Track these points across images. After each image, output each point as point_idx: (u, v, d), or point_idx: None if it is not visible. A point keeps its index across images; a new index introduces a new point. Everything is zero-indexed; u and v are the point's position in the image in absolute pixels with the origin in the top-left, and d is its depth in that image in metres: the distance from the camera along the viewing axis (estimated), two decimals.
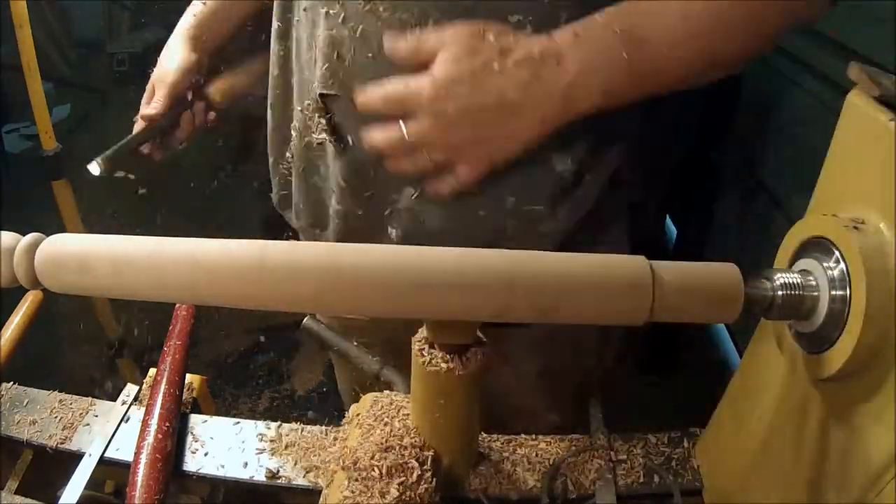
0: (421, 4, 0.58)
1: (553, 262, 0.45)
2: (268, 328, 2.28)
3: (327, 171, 0.73)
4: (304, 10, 0.68)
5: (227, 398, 2.01)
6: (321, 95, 0.66)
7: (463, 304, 0.44)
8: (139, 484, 0.59)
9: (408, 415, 0.60)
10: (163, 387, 0.69)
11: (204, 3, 0.90)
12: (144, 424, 0.65)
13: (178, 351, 0.74)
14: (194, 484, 0.69)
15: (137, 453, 0.62)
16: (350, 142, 0.66)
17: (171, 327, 0.77)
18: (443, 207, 0.66)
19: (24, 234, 0.48)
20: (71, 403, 0.74)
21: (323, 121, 0.67)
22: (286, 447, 0.68)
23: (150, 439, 0.63)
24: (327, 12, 0.63)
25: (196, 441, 0.69)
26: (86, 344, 2.03)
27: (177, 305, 0.79)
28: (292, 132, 0.76)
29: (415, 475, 0.55)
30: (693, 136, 1.45)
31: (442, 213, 0.67)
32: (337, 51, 0.63)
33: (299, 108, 0.73)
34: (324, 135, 0.67)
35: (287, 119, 0.78)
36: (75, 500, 0.63)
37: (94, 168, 0.82)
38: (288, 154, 0.80)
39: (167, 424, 0.65)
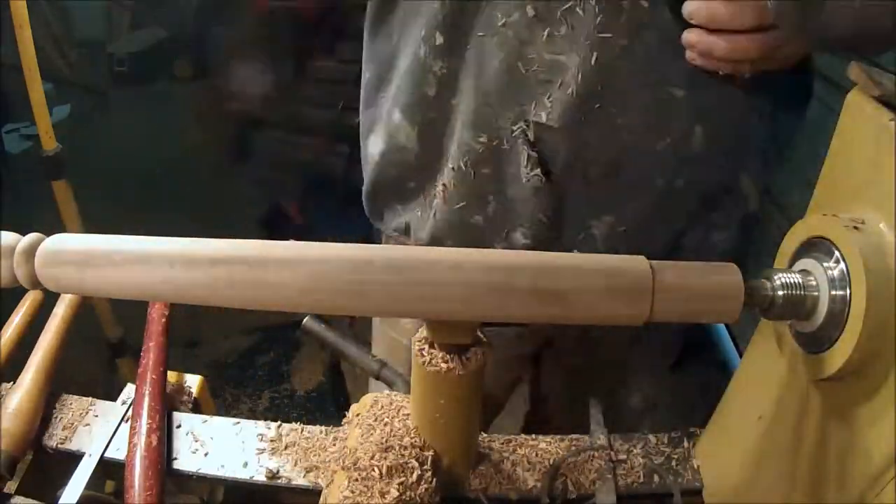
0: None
1: (553, 262, 0.45)
2: (268, 328, 2.28)
3: (504, 205, 0.70)
4: (503, 24, 0.61)
5: (227, 398, 2.01)
6: (536, 125, 0.64)
7: (462, 304, 0.44)
8: (136, 486, 0.60)
9: (408, 415, 0.60)
10: (146, 388, 0.69)
11: None
12: (132, 429, 0.66)
13: (156, 351, 0.74)
14: (194, 484, 0.69)
15: (130, 456, 0.63)
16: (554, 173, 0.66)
17: (146, 329, 0.77)
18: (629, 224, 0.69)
19: (24, 234, 0.48)
20: (71, 403, 0.74)
21: (530, 153, 0.65)
22: (286, 447, 0.68)
23: (138, 440, 0.64)
24: (550, 34, 0.60)
25: (196, 441, 0.69)
26: (86, 344, 2.03)
27: (150, 307, 0.79)
28: (448, 162, 0.70)
29: (415, 475, 0.55)
30: None
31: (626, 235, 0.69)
32: (562, 79, 0.62)
33: (470, 137, 0.67)
34: (531, 168, 0.65)
35: (436, 145, 0.72)
36: (75, 500, 0.63)
37: None
38: (439, 184, 0.73)
39: (152, 423, 0.66)
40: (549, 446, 0.67)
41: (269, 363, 2.17)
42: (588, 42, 0.60)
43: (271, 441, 0.69)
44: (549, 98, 0.63)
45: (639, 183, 0.67)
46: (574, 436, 0.69)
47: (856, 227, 0.42)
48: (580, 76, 0.61)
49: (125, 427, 0.71)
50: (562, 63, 0.62)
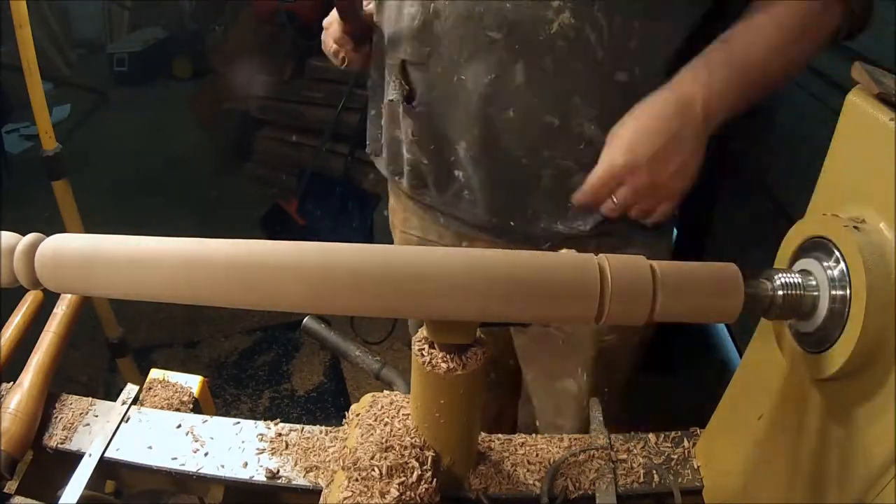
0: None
1: (553, 262, 0.45)
2: (268, 328, 2.28)
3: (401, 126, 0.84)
4: None
5: (227, 398, 2.01)
6: (403, 63, 0.78)
7: (461, 304, 0.44)
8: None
9: (408, 415, 0.60)
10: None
11: None
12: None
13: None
14: (194, 484, 0.69)
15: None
16: (418, 103, 0.79)
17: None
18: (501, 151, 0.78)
19: (24, 234, 0.48)
20: (71, 403, 0.74)
21: (400, 84, 0.79)
22: (286, 447, 0.68)
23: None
24: None
25: (196, 441, 0.69)
26: (86, 344, 2.03)
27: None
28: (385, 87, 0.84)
29: (415, 475, 0.55)
30: None
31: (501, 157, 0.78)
32: (431, 22, 0.73)
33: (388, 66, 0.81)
34: (396, 96, 0.80)
35: (382, 74, 0.85)
36: (75, 500, 0.63)
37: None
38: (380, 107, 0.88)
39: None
40: (549, 446, 0.67)
41: (269, 363, 2.17)
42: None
43: (271, 441, 0.69)
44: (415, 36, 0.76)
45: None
46: (574, 435, 0.69)
47: (856, 227, 0.42)
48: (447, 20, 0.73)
49: (125, 427, 0.71)
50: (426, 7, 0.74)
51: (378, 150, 0.94)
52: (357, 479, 0.55)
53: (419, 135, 0.82)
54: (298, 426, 0.71)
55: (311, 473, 0.65)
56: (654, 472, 0.65)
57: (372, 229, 2.55)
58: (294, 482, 0.65)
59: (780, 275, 0.46)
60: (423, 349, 0.54)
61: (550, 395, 0.98)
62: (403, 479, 0.54)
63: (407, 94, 0.80)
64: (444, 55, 0.74)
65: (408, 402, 0.61)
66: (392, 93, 0.81)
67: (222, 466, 0.67)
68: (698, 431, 0.69)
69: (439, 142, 0.81)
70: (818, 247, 0.45)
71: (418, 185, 0.87)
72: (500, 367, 1.06)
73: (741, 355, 0.63)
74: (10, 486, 0.66)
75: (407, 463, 0.55)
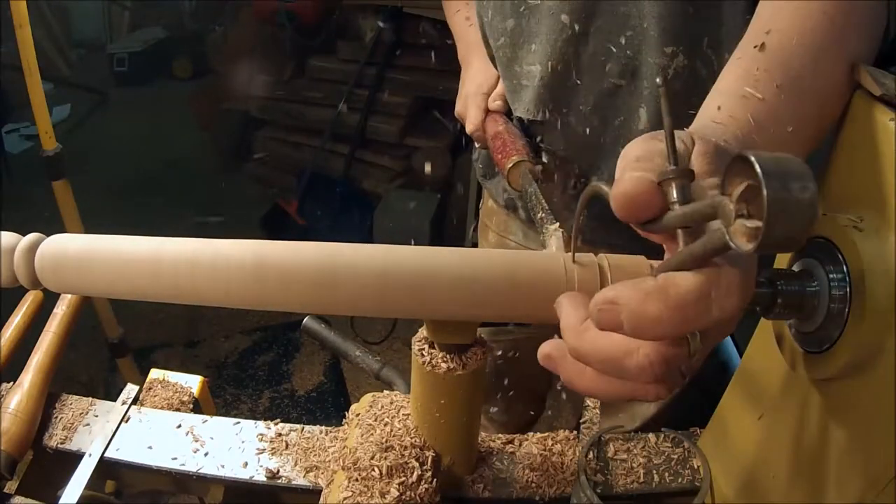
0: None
1: (551, 262, 0.45)
2: (268, 328, 2.28)
3: None
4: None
5: (227, 398, 2.01)
6: (521, 120, 0.78)
7: (461, 303, 0.44)
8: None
9: (408, 415, 0.60)
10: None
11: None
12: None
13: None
14: (194, 484, 0.69)
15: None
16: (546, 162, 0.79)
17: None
18: None
19: (24, 234, 0.48)
20: (71, 403, 0.74)
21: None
22: (286, 447, 0.68)
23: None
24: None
25: (196, 441, 0.69)
26: (86, 344, 2.03)
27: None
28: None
29: (415, 475, 0.55)
30: None
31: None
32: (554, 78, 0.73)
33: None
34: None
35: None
36: (75, 500, 0.63)
37: None
38: None
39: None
40: (549, 445, 0.67)
41: (269, 363, 2.17)
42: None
43: (271, 441, 0.69)
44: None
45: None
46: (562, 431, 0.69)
47: (856, 227, 0.42)
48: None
49: (125, 427, 0.71)
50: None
51: (490, 175, 0.94)
52: (357, 479, 0.55)
53: (546, 180, 0.80)
54: (298, 426, 0.71)
55: (311, 473, 0.65)
56: (654, 472, 0.65)
57: (372, 229, 2.55)
58: (294, 482, 0.65)
59: (780, 275, 0.46)
60: (423, 349, 0.54)
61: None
62: (403, 479, 0.54)
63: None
64: (570, 107, 0.74)
65: (408, 402, 0.61)
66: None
67: (222, 466, 0.67)
68: (698, 431, 0.69)
69: (565, 183, 0.80)
70: (819, 247, 0.45)
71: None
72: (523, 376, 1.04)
73: (741, 355, 0.63)
74: (10, 486, 0.66)
75: (407, 463, 0.55)
